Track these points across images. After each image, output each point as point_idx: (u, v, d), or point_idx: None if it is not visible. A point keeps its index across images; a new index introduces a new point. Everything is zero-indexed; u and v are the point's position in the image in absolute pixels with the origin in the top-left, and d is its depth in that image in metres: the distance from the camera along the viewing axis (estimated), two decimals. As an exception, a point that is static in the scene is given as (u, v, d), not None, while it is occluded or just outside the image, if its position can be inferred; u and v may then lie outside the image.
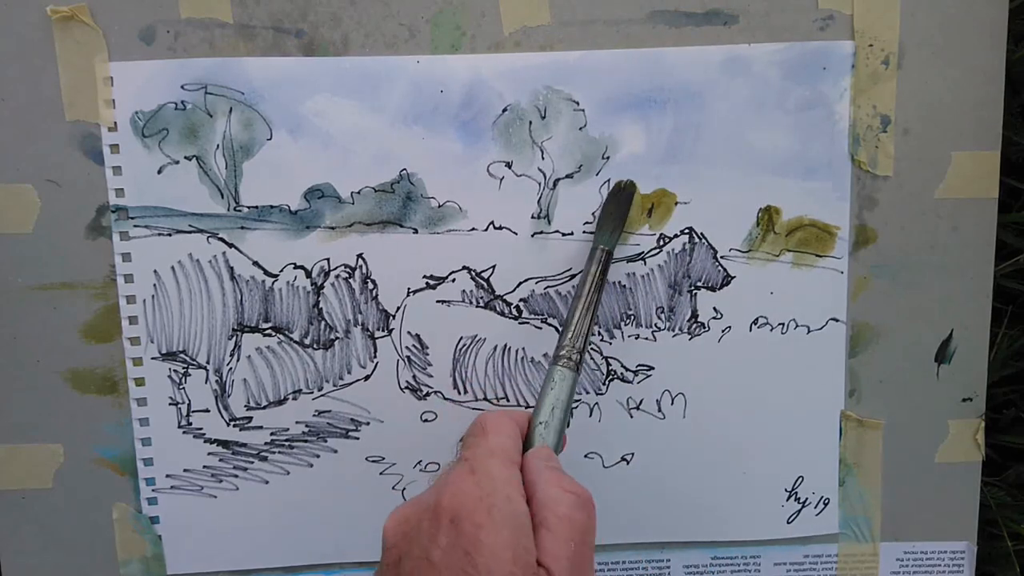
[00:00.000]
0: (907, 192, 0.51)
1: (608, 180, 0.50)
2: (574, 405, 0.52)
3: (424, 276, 0.50)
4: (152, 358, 0.51)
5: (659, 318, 0.51)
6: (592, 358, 0.52)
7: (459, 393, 0.52)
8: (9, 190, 0.49)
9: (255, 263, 0.50)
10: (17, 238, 0.49)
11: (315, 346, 0.51)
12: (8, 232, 0.49)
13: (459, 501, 0.36)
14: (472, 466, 0.38)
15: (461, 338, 0.51)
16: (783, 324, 0.52)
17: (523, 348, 0.51)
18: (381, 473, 0.52)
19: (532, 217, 0.50)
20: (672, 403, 0.52)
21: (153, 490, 0.52)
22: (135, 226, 0.49)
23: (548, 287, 0.51)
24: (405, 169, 0.49)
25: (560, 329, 0.51)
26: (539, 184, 0.50)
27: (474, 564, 0.34)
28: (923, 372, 0.53)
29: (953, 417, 0.54)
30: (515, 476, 0.38)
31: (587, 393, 0.52)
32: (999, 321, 0.55)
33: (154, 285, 0.50)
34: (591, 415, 0.52)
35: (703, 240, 0.51)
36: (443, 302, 0.50)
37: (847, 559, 0.55)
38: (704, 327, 0.52)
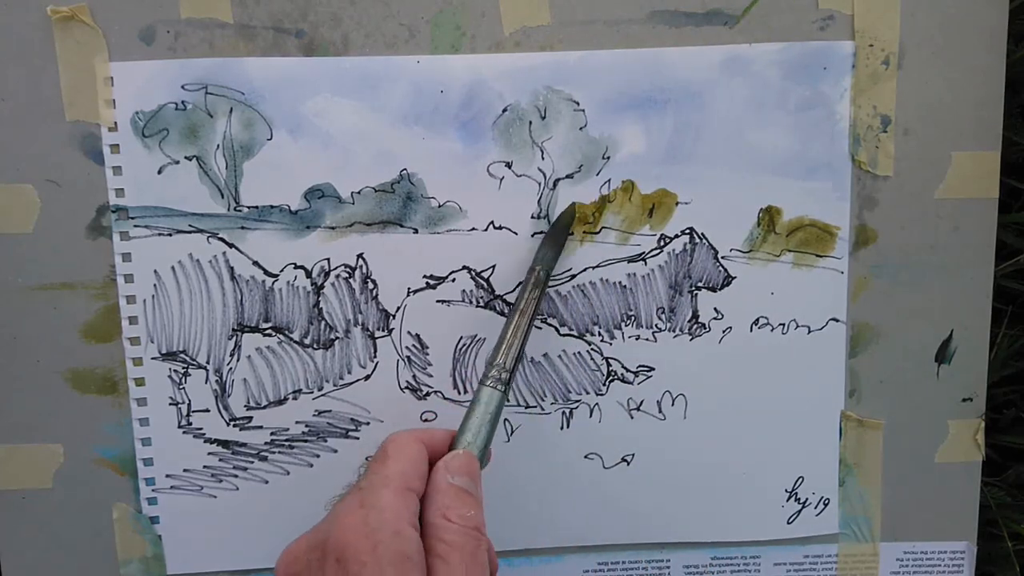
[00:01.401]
0: (907, 192, 0.51)
1: (608, 180, 0.50)
2: (574, 405, 0.52)
3: (424, 276, 0.50)
4: (152, 358, 0.51)
5: (660, 319, 0.51)
6: (593, 358, 0.52)
7: (459, 393, 0.52)
8: (9, 190, 0.49)
9: (255, 263, 0.50)
10: (17, 238, 0.49)
11: (315, 346, 0.51)
12: (8, 232, 0.49)
13: (345, 539, 0.35)
14: (362, 498, 0.37)
15: (461, 338, 0.51)
16: (783, 324, 0.52)
17: (523, 348, 0.51)
18: (381, 473, 0.52)
19: (532, 217, 0.50)
20: (673, 404, 0.52)
21: (153, 490, 0.52)
22: (135, 226, 0.49)
23: (548, 287, 0.50)
24: (405, 169, 0.49)
25: (571, 333, 0.51)
26: (539, 184, 0.50)
27: None
28: (923, 372, 0.53)
29: (953, 417, 0.54)
30: (408, 506, 0.37)
31: (587, 394, 0.52)
32: (999, 321, 0.55)
33: (154, 285, 0.50)
34: (591, 416, 0.52)
35: (704, 240, 0.51)
36: (443, 302, 0.50)
37: (847, 559, 0.55)
38: (705, 328, 0.52)
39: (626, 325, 0.51)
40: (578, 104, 0.49)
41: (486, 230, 0.50)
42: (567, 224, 0.50)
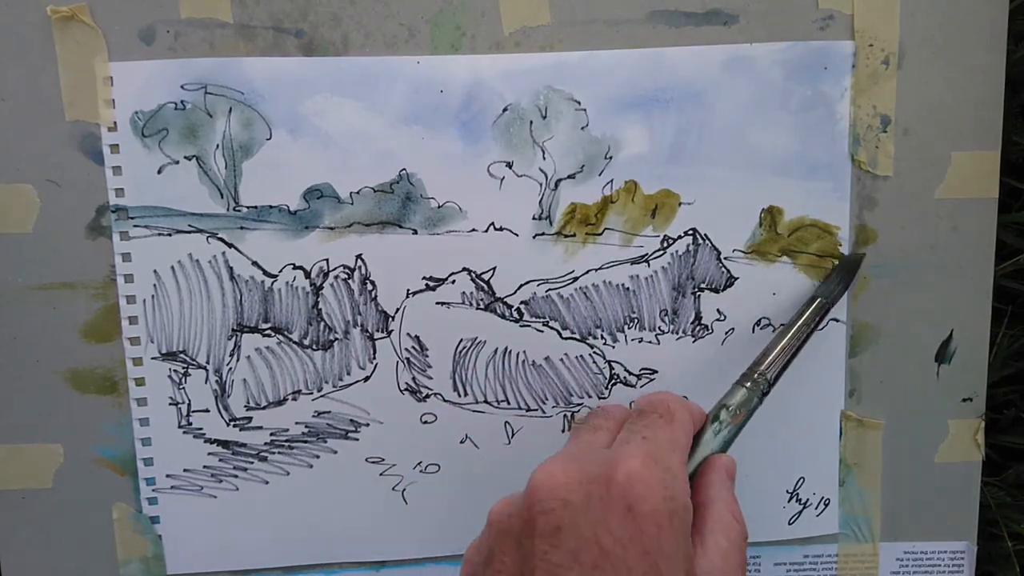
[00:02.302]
0: (907, 192, 0.51)
1: (611, 180, 0.50)
2: (576, 408, 0.52)
3: (424, 277, 0.50)
4: (152, 358, 0.51)
5: (663, 321, 0.51)
6: (595, 361, 0.52)
7: (459, 395, 0.51)
8: (9, 190, 0.49)
9: (254, 263, 0.50)
10: (17, 238, 0.49)
11: (314, 347, 0.51)
12: (7, 232, 0.49)
13: (640, 491, 0.32)
14: (653, 453, 0.34)
15: (461, 340, 0.51)
16: (785, 325, 0.52)
17: (524, 351, 0.51)
18: (381, 474, 0.52)
19: (533, 218, 0.50)
20: (674, 405, 0.52)
21: (153, 490, 0.52)
22: (135, 226, 0.49)
23: (550, 290, 0.50)
24: (405, 169, 0.49)
25: (573, 336, 0.51)
26: (540, 184, 0.50)
27: (658, 571, 0.31)
28: (923, 372, 0.53)
29: (953, 417, 0.54)
30: (686, 475, 0.36)
31: (589, 397, 0.52)
32: (999, 321, 0.54)
33: (154, 285, 0.50)
34: (592, 417, 0.52)
35: (707, 241, 0.51)
36: (443, 304, 0.50)
37: (847, 559, 0.55)
38: (708, 329, 0.51)
39: (629, 328, 0.51)
40: (579, 104, 0.49)
41: (486, 231, 0.50)
42: (858, 265, 0.50)
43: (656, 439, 0.35)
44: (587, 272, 0.50)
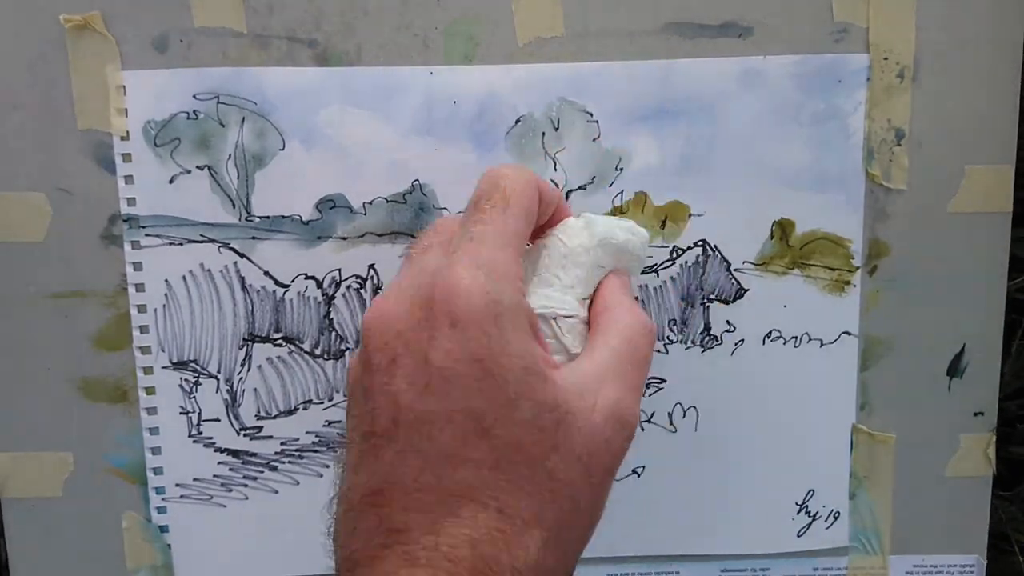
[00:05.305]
0: (920, 205, 0.51)
1: (621, 191, 0.50)
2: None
3: (436, 287, 0.50)
4: (163, 367, 0.51)
5: (672, 331, 0.51)
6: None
7: (471, 406, 0.51)
8: (21, 198, 0.49)
9: (266, 273, 0.50)
10: (29, 246, 0.49)
11: (325, 356, 0.51)
12: (20, 240, 0.49)
13: (460, 304, 0.31)
14: (478, 256, 0.33)
15: (473, 351, 0.51)
16: (796, 337, 0.51)
17: (536, 362, 0.51)
18: (391, 484, 0.52)
19: (545, 229, 0.50)
20: (684, 416, 0.52)
21: (163, 499, 0.52)
22: (147, 235, 0.49)
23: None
24: (417, 180, 0.49)
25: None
26: (552, 196, 0.49)
27: (489, 373, 0.31)
28: (935, 386, 0.53)
29: (964, 431, 0.53)
30: (519, 270, 0.34)
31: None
32: (1011, 335, 0.54)
33: (165, 295, 0.50)
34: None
35: (716, 253, 0.50)
36: (455, 314, 0.50)
37: (856, 572, 0.55)
38: (717, 340, 0.51)
39: (639, 339, 0.51)
40: (591, 115, 0.49)
41: (498, 242, 0.50)
42: None
43: (484, 237, 0.33)
44: (598, 283, 0.50)
